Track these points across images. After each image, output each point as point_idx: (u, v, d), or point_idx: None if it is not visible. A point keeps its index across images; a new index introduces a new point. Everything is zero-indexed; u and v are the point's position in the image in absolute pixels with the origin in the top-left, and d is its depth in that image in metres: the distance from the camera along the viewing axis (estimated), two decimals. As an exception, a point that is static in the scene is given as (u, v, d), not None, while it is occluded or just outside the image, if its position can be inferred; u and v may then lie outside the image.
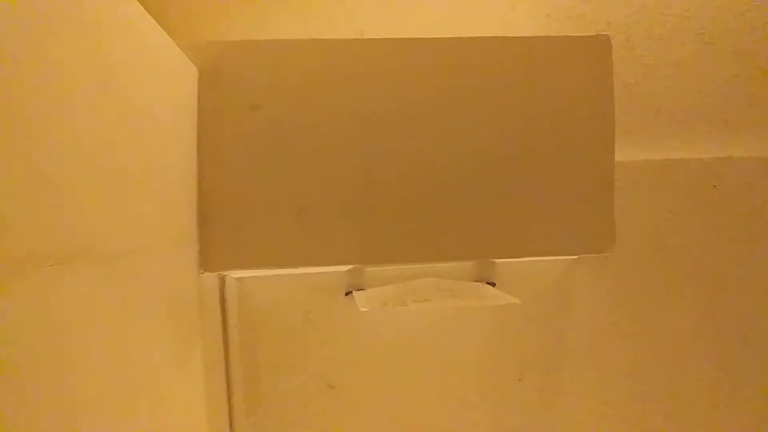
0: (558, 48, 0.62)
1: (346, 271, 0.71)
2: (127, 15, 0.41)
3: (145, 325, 0.42)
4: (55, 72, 0.30)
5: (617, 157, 0.63)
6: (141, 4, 0.43)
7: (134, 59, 0.42)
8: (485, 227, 0.62)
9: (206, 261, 0.58)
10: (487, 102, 0.62)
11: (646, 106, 0.79)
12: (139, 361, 0.41)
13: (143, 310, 0.42)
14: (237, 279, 0.70)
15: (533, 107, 0.62)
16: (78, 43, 0.33)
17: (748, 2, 0.78)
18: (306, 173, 0.60)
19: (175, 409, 0.48)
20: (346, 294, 0.72)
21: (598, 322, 0.76)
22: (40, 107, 0.29)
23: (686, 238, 0.77)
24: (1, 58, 0.26)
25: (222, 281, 0.68)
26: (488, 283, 0.71)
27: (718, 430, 0.78)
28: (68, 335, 0.31)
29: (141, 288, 0.41)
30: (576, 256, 0.74)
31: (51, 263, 0.29)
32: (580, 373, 0.76)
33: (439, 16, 0.78)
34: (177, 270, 0.52)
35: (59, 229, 0.30)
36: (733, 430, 0.78)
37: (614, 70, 0.63)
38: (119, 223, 0.38)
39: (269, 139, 0.59)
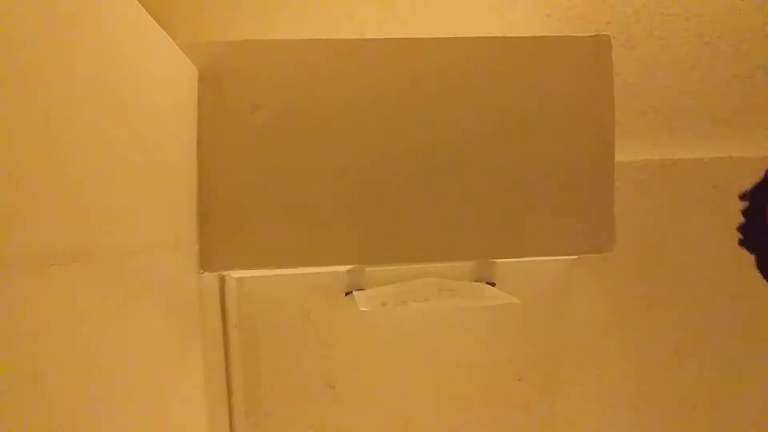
0: (558, 48, 0.62)
1: (346, 271, 0.71)
2: (127, 15, 0.41)
3: (145, 325, 0.42)
4: (55, 72, 0.30)
5: (617, 157, 0.63)
6: (141, 4, 0.43)
7: (134, 59, 0.42)
8: (485, 227, 0.62)
9: (206, 261, 0.58)
10: (487, 102, 0.62)
11: (647, 106, 0.79)
12: (139, 361, 0.41)
13: (143, 310, 0.42)
14: (237, 279, 0.70)
15: (533, 107, 0.62)
16: (78, 43, 0.33)
17: (748, 2, 0.78)
18: (306, 173, 0.60)
19: (175, 408, 0.48)
20: (346, 294, 0.72)
21: (597, 322, 0.76)
22: (39, 108, 0.29)
23: (686, 238, 0.77)
24: (1, 58, 0.26)
25: (222, 281, 0.68)
26: (488, 283, 0.71)
27: (718, 430, 0.78)
28: (68, 335, 0.31)
29: (141, 288, 0.41)
30: (576, 256, 0.74)
31: (51, 263, 0.29)
32: (580, 373, 0.76)
33: (439, 16, 0.78)
34: (177, 270, 0.52)
35: (60, 229, 0.30)
36: (733, 430, 0.78)
37: (614, 70, 0.63)
38: (119, 223, 0.38)
39: (269, 139, 0.59)
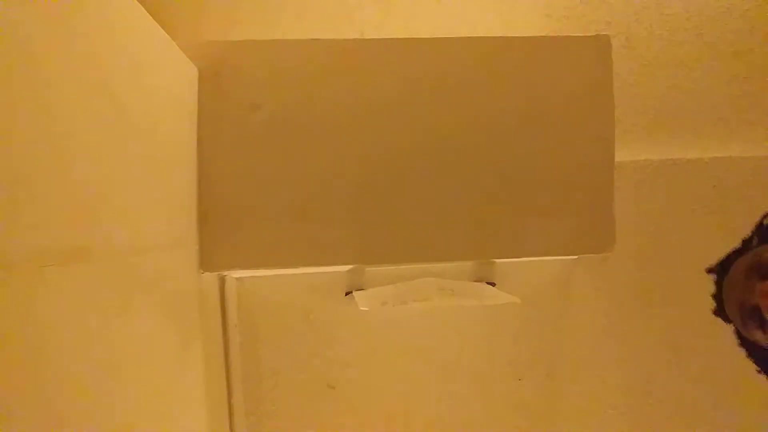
0: (558, 48, 0.62)
1: (346, 271, 0.71)
2: (127, 15, 0.41)
3: (145, 324, 0.42)
4: (55, 71, 0.30)
5: (617, 157, 0.63)
6: (141, 4, 0.43)
7: (134, 59, 0.42)
8: (485, 227, 0.62)
9: (206, 261, 0.58)
10: (487, 102, 0.62)
11: (646, 106, 0.79)
12: (139, 362, 0.41)
13: (143, 310, 0.42)
14: (237, 279, 0.70)
15: (533, 107, 0.62)
16: (77, 43, 0.33)
17: (748, 2, 0.79)
18: (306, 173, 0.60)
19: (175, 408, 0.48)
20: (346, 294, 0.72)
21: (597, 322, 0.76)
22: (40, 108, 0.29)
23: (686, 238, 0.77)
24: (2, 58, 0.26)
25: (222, 281, 0.68)
26: (488, 283, 0.71)
27: (718, 430, 0.78)
28: (68, 335, 0.31)
29: (141, 288, 0.41)
30: (576, 256, 0.74)
31: (51, 263, 0.29)
32: (579, 373, 0.76)
33: (439, 16, 0.78)
34: (177, 270, 0.52)
35: (59, 229, 0.30)
36: (733, 430, 0.78)
37: (614, 70, 0.63)
38: (119, 223, 0.38)
39: (269, 138, 0.59)
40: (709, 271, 0.58)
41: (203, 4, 0.75)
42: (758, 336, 0.54)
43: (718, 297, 0.58)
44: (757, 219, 0.77)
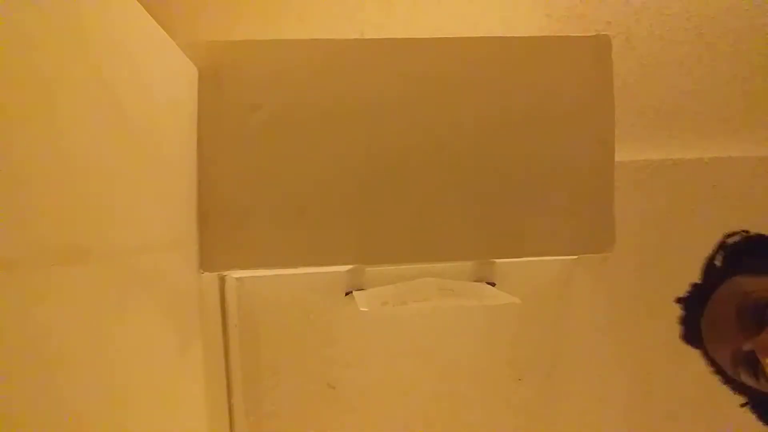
0: (558, 48, 0.62)
1: (346, 271, 0.71)
2: (127, 14, 0.41)
3: (144, 325, 0.42)
4: (53, 72, 0.30)
5: (617, 157, 0.63)
6: (141, 4, 0.43)
7: (134, 59, 0.42)
8: (485, 227, 0.62)
9: (206, 261, 0.58)
10: (487, 102, 0.62)
11: (647, 106, 0.79)
12: (139, 362, 0.41)
13: (143, 310, 0.42)
14: (237, 279, 0.70)
15: (533, 107, 0.62)
16: (78, 43, 0.33)
17: (748, 2, 0.79)
18: (306, 173, 0.60)
19: (175, 409, 0.48)
20: (346, 294, 0.72)
21: (597, 322, 0.76)
22: (39, 108, 0.29)
23: (686, 238, 0.77)
24: (2, 58, 0.26)
25: (222, 281, 0.68)
26: (488, 283, 0.71)
27: (718, 430, 0.78)
28: (68, 335, 0.31)
29: (141, 288, 0.41)
30: (576, 257, 0.74)
31: (51, 263, 0.29)
32: (579, 373, 0.76)
33: (439, 16, 0.78)
34: (177, 270, 0.52)
35: (59, 229, 0.30)
36: (733, 430, 0.78)
37: (614, 70, 0.63)
38: (119, 223, 0.38)
39: (269, 138, 0.59)
40: (679, 301, 0.57)
41: (203, 4, 0.75)
42: (750, 381, 0.52)
43: (688, 322, 0.57)
44: (756, 219, 0.77)
